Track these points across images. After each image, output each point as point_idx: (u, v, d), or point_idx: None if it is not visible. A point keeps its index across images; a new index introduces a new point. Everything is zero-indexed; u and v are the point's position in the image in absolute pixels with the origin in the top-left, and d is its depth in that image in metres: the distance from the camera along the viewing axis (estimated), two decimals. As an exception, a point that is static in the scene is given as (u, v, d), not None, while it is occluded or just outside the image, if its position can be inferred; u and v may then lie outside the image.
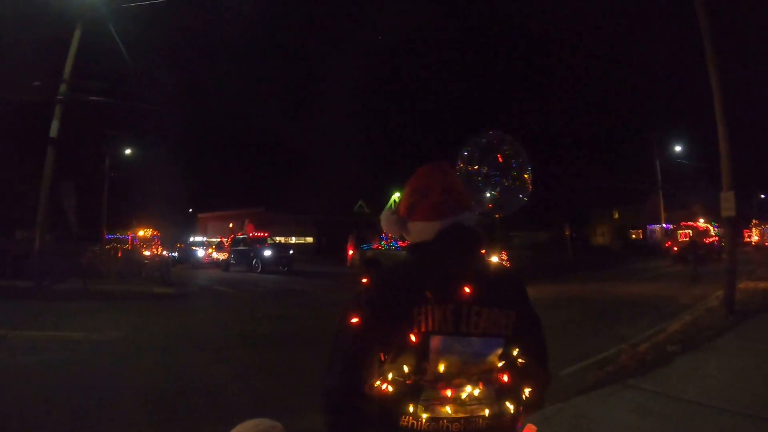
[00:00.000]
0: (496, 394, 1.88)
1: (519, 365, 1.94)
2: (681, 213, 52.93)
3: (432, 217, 1.99)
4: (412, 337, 1.79)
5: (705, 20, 13.23)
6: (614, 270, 29.53)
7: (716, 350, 9.06)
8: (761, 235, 51.80)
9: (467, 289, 1.87)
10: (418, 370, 1.80)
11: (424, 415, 1.79)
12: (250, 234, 34.42)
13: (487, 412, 1.85)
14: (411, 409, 1.78)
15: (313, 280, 26.80)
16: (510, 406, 1.90)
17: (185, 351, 10.09)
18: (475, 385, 1.83)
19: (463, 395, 1.81)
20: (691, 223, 37.80)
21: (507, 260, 21.14)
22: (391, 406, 1.79)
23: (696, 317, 12.12)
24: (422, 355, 1.80)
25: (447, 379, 1.81)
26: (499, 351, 1.91)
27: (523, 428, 1.99)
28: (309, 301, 18.66)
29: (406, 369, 1.79)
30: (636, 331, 11.00)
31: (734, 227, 14.11)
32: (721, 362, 8.28)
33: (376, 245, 24.04)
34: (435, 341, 1.81)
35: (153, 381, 7.83)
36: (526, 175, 2.25)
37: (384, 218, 2.16)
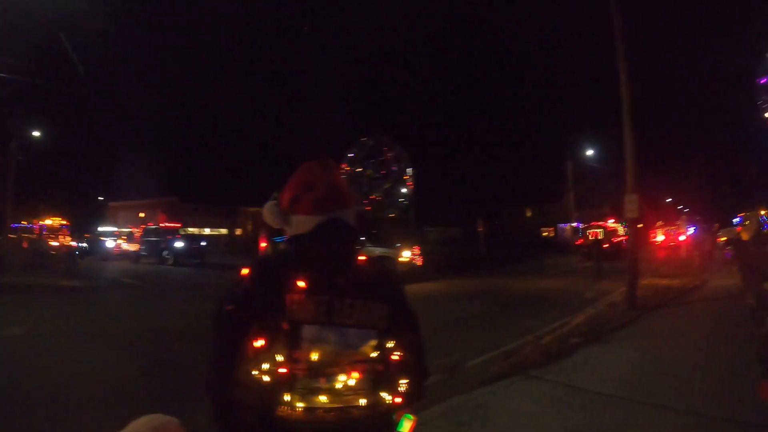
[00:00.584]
0: (372, 384, 1.92)
1: (395, 358, 2.00)
2: (592, 213, 55.06)
3: (314, 211, 2.01)
4: (285, 326, 1.82)
5: (619, 29, 13.75)
6: (525, 265, 30.17)
7: (616, 342, 9.45)
8: (666, 235, 54.68)
9: (341, 282, 1.92)
10: (292, 359, 1.81)
11: (300, 405, 1.81)
12: (162, 225, 33.52)
13: (362, 402, 1.89)
14: (287, 398, 1.81)
15: (225, 273, 26.14)
16: (386, 397, 1.96)
17: (90, 346, 9.75)
18: (349, 375, 1.87)
19: (338, 385, 1.85)
20: (602, 222, 39.19)
21: (420, 255, 21.31)
22: (267, 396, 1.80)
23: (599, 311, 12.59)
24: (295, 344, 1.82)
25: (321, 369, 1.84)
26: (373, 342, 1.95)
27: (403, 420, 2.05)
28: (219, 295, 18.27)
29: (280, 358, 1.80)
30: (541, 324, 11.27)
31: (639, 228, 14.71)
32: (620, 354, 8.64)
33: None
34: (307, 330, 1.83)
35: (57, 377, 7.60)
36: (406, 177, 2.31)
37: (266, 209, 2.16)
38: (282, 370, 1.80)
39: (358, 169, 2.32)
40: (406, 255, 20.56)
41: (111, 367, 8.36)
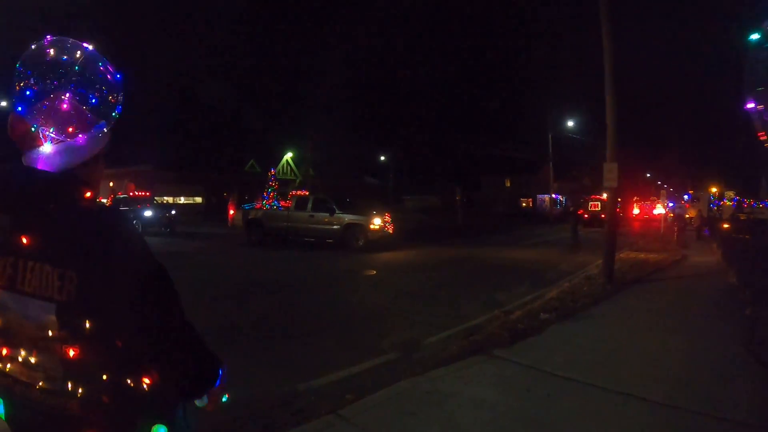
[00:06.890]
0: (63, 368, 1.60)
1: (97, 344, 1.59)
2: (571, 184, 54.74)
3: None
4: None
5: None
6: (502, 236, 29.51)
7: (590, 319, 8.75)
8: (642, 209, 55.25)
9: (25, 240, 1.59)
10: None
11: None
12: (131, 193, 32.64)
13: (43, 384, 1.62)
14: None
15: (193, 241, 25.24)
16: (79, 389, 1.60)
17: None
18: (29, 351, 1.63)
19: (20, 358, 1.64)
20: (598, 196, 38.84)
21: (391, 222, 20.79)
22: None
23: (574, 285, 11.91)
24: None
25: (4, 337, 1.66)
26: (52, 318, 1.58)
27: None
28: (180, 263, 17.38)
29: None
30: (512, 298, 10.62)
31: (617, 199, 13.95)
32: (593, 332, 7.94)
33: (258, 205, 23.16)
34: None
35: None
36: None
37: None
38: None
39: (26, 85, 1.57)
40: (377, 222, 19.97)
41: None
